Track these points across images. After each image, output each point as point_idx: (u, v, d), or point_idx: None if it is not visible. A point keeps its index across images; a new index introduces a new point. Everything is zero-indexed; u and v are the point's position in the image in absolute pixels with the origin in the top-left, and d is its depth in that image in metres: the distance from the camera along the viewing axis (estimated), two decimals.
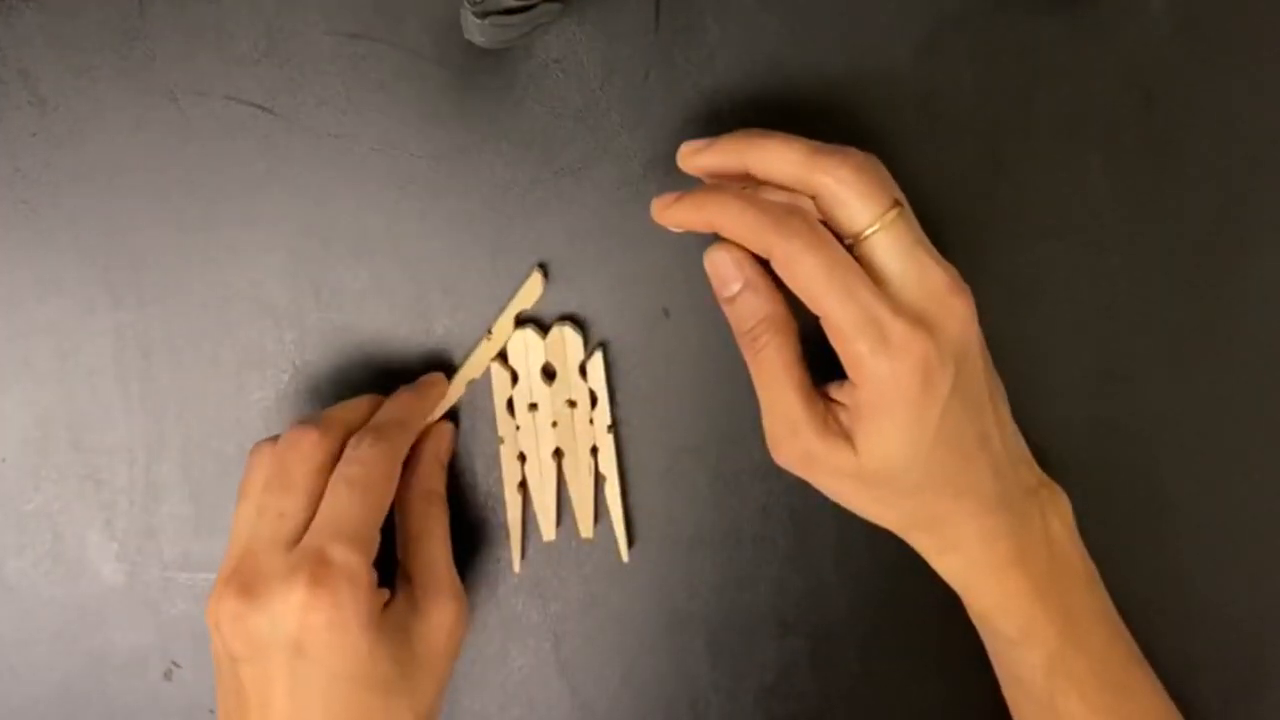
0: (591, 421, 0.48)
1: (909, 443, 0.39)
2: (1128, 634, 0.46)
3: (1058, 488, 0.45)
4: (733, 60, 0.47)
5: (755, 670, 0.50)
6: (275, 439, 0.43)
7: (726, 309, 0.42)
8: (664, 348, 0.49)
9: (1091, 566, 0.45)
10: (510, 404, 0.48)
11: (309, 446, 0.42)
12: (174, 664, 0.50)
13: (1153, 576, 0.50)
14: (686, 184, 0.45)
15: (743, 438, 0.49)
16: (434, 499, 0.46)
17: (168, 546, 0.49)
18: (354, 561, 0.39)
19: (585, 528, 0.49)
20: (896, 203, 0.40)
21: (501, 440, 0.49)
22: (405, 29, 0.47)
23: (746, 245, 0.40)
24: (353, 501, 0.41)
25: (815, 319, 0.40)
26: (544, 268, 0.48)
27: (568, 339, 0.48)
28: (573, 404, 0.48)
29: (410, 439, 0.45)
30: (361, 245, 0.48)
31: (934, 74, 0.47)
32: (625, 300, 0.48)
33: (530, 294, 0.48)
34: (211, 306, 0.48)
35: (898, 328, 0.38)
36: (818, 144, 0.40)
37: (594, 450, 0.49)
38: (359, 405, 0.45)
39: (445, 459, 0.47)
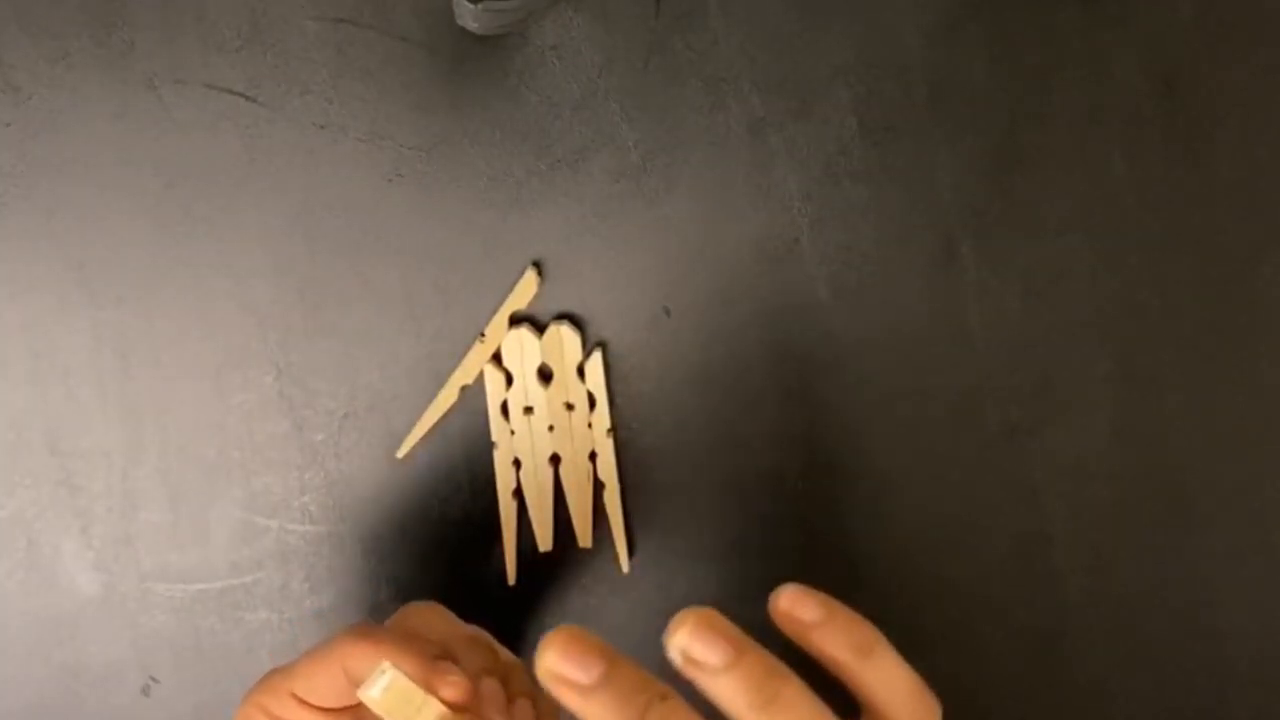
0: (590, 425, 0.48)
1: None
2: None
3: None
4: (736, 47, 0.47)
5: None
6: None
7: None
8: (665, 347, 0.48)
9: None
10: (505, 407, 0.48)
11: None
12: (152, 679, 0.49)
13: (1174, 582, 0.50)
14: (687, 175, 0.45)
15: (748, 442, 0.48)
16: None
17: (146, 556, 0.49)
18: None
19: (584, 537, 0.49)
20: None
21: (495, 445, 0.48)
22: (394, 14, 0.46)
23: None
24: None
25: None
26: (539, 265, 0.48)
27: (565, 339, 0.48)
28: (570, 407, 0.48)
29: None
30: (348, 241, 0.48)
31: (947, 62, 0.47)
32: (625, 298, 0.48)
33: (525, 292, 0.48)
34: (191, 305, 0.48)
35: None
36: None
37: (592, 455, 0.48)
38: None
39: None
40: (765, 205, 0.47)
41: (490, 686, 0.38)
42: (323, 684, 0.38)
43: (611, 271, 0.48)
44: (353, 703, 0.37)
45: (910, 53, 0.47)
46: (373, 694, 0.35)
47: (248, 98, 0.47)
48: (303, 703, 0.38)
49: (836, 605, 0.34)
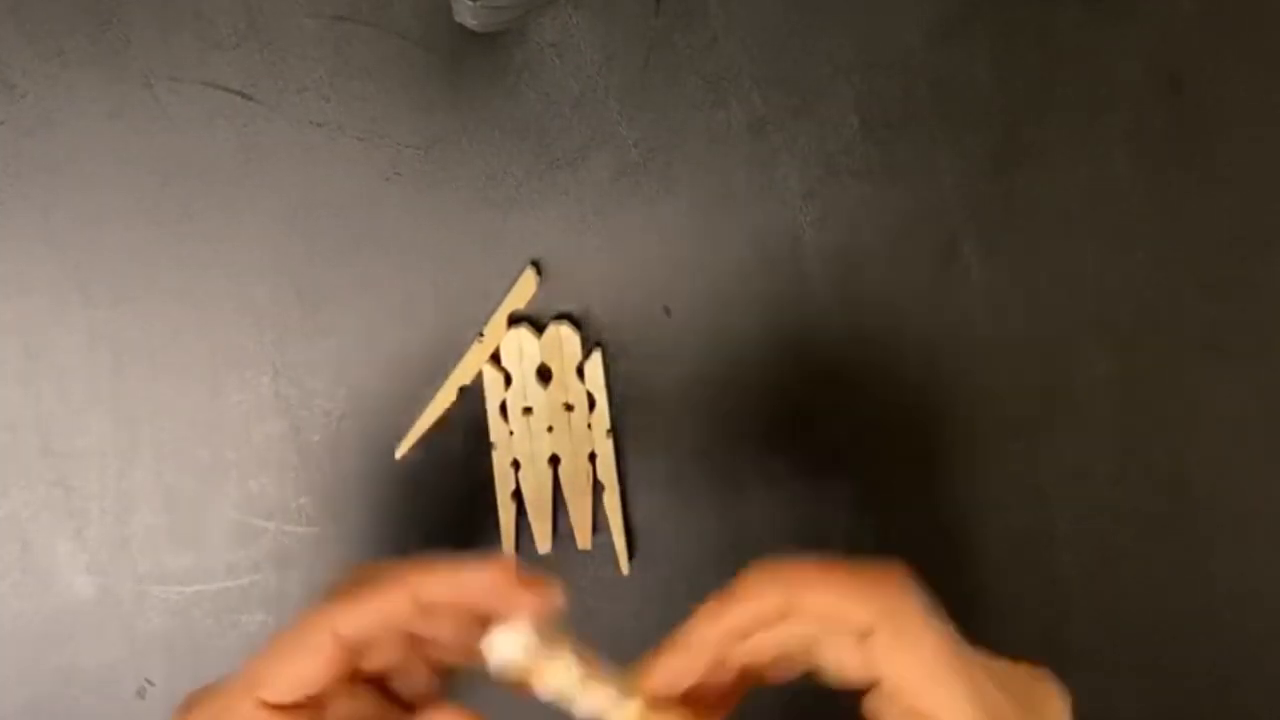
0: (589, 426, 0.48)
1: None
2: None
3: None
4: (737, 45, 0.47)
5: (761, 688, 0.49)
6: None
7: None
8: (665, 347, 0.48)
9: None
10: (503, 408, 0.48)
11: None
12: (147, 681, 0.49)
13: (1181, 582, 0.50)
14: (687, 174, 0.44)
15: (748, 443, 0.48)
16: None
17: (141, 557, 0.49)
18: None
19: (583, 538, 0.49)
20: None
21: (494, 446, 0.48)
22: (392, 11, 0.46)
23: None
24: None
25: None
26: (538, 264, 0.48)
27: (564, 339, 0.47)
28: (569, 407, 0.48)
29: None
30: (346, 240, 0.47)
31: (949, 59, 0.47)
32: (624, 298, 0.48)
33: (524, 292, 0.47)
34: (188, 304, 0.48)
35: None
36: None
37: (592, 456, 0.48)
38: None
39: None
40: (766, 204, 0.47)
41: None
42: (291, 672, 0.33)
43: (611, 271, 0.48)
44: (313, 691, 0.34)
45: (912, 50, 0.47)
46: (509, 655, 0.34)
47: (244, 95, 0.47)
48: (266, 706, 0.33)
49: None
